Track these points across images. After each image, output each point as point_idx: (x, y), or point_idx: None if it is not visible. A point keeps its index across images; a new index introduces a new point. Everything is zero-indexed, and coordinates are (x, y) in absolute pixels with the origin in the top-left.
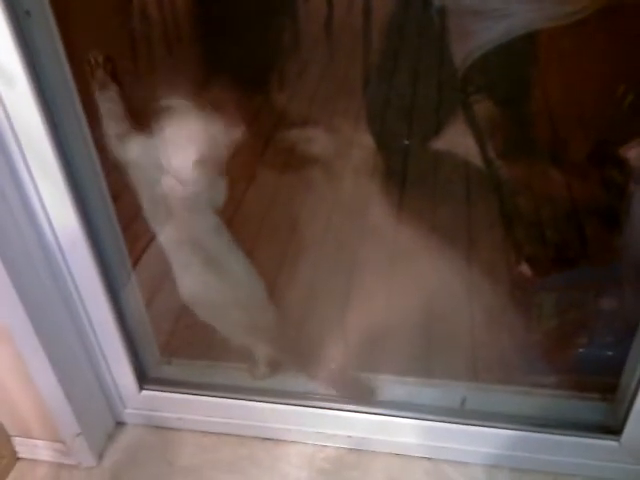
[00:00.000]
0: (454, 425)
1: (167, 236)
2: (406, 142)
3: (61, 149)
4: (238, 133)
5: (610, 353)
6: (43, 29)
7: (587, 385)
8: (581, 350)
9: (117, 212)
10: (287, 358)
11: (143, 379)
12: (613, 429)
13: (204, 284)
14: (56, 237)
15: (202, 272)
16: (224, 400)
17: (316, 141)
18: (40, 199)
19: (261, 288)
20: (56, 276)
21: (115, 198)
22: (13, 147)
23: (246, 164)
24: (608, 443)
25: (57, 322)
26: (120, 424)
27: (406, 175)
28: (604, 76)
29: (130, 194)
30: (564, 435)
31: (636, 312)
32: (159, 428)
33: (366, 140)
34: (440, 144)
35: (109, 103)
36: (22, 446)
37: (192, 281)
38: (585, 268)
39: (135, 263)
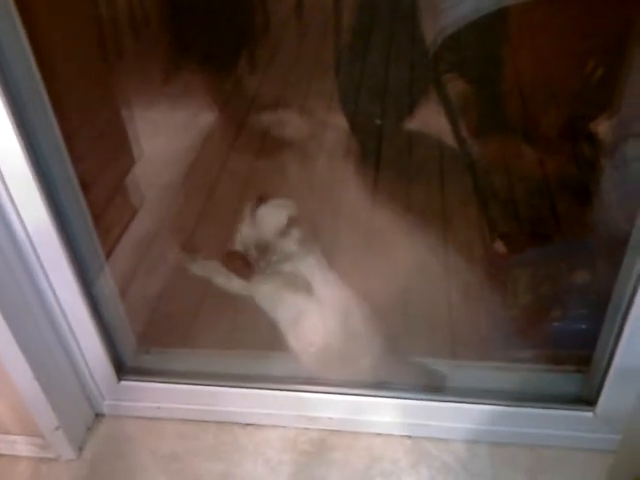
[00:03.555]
0: (434, 402)
1: None
2: (378, 122)
3: (28, 141)
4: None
5: (584, 326)
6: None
7: (562, 358)
8: (556, 324)
9: (89, 203)
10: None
11: (121, 369)
12: (588, 400)
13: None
14: (26, 230)
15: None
16: (203, 387)
17: (289, 123)
18: (8, 191)
19: None
20: (28, 270)
21: (86, 189)
22: None
23: (219, 148)
24: (583, 414)
25: (31, 316)
26: (99, 415)
27: (380, 155)
28: (574, 52)
29: (101, 184)
30: (541, 408)
31: (609, 284)
32: (139, 418)
33: (339, 121)
34: (413, 124)
35: None
36: (0, 443)
37: None
38: (558, 243)
39: (109, 254)
